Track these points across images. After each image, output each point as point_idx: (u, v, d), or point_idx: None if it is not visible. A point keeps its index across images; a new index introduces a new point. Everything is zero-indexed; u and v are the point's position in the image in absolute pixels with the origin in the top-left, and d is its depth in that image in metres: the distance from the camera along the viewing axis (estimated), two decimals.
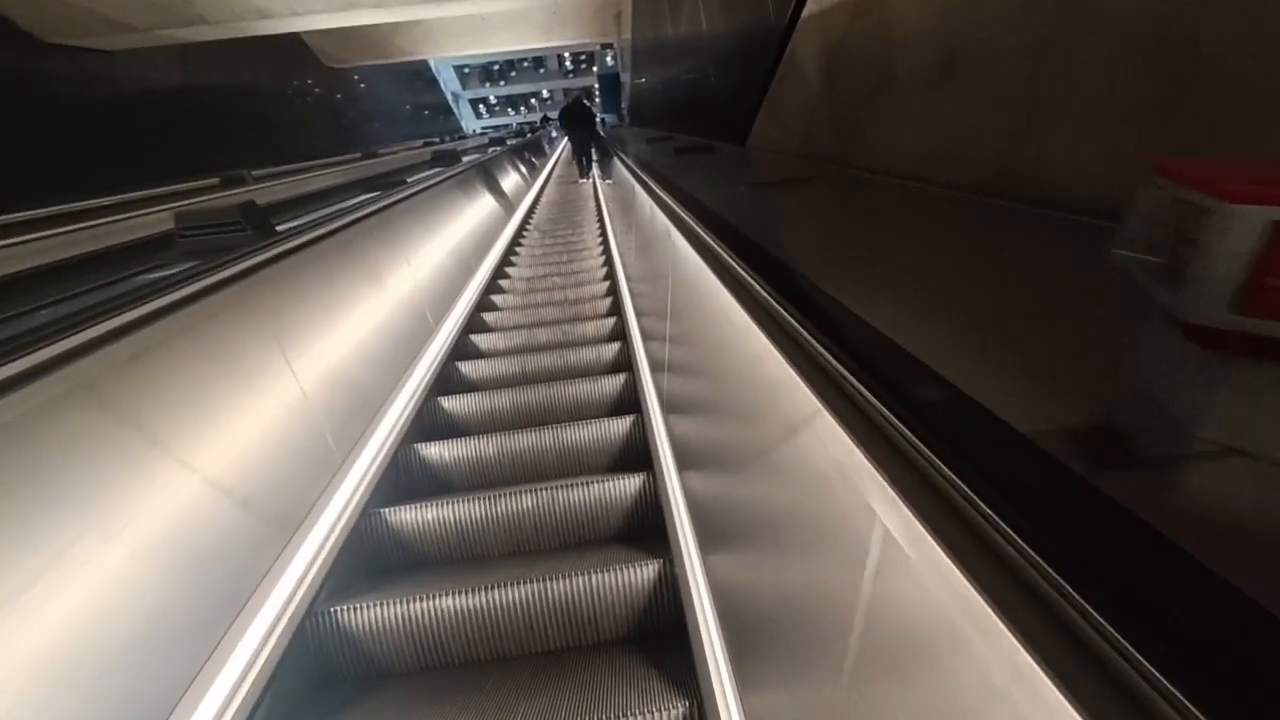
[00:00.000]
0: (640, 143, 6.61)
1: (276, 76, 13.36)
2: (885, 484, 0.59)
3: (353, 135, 16.49)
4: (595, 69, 27.97)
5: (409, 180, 4.37)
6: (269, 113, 12.87)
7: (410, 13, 10.23)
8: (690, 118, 4.70)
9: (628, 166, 4.28)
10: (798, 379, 0.86)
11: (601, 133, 11.25)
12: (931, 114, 1.09)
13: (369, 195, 3.74)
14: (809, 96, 1.98)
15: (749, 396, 1.17)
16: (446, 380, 3.33)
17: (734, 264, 1.27)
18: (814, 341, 0.88)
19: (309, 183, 7.35)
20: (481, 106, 34.50)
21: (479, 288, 4.57)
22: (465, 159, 7.08)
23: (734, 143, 2.84)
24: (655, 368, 2.48)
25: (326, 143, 13.99)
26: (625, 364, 3.34)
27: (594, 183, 10.29)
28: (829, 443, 0.73)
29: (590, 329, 3.91)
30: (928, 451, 0.58)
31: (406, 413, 2.70)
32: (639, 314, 3.30)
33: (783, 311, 1.02)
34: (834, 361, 0.81)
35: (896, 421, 0.64)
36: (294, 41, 13.55)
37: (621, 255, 4.75)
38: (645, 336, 2.97)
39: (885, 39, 1.35)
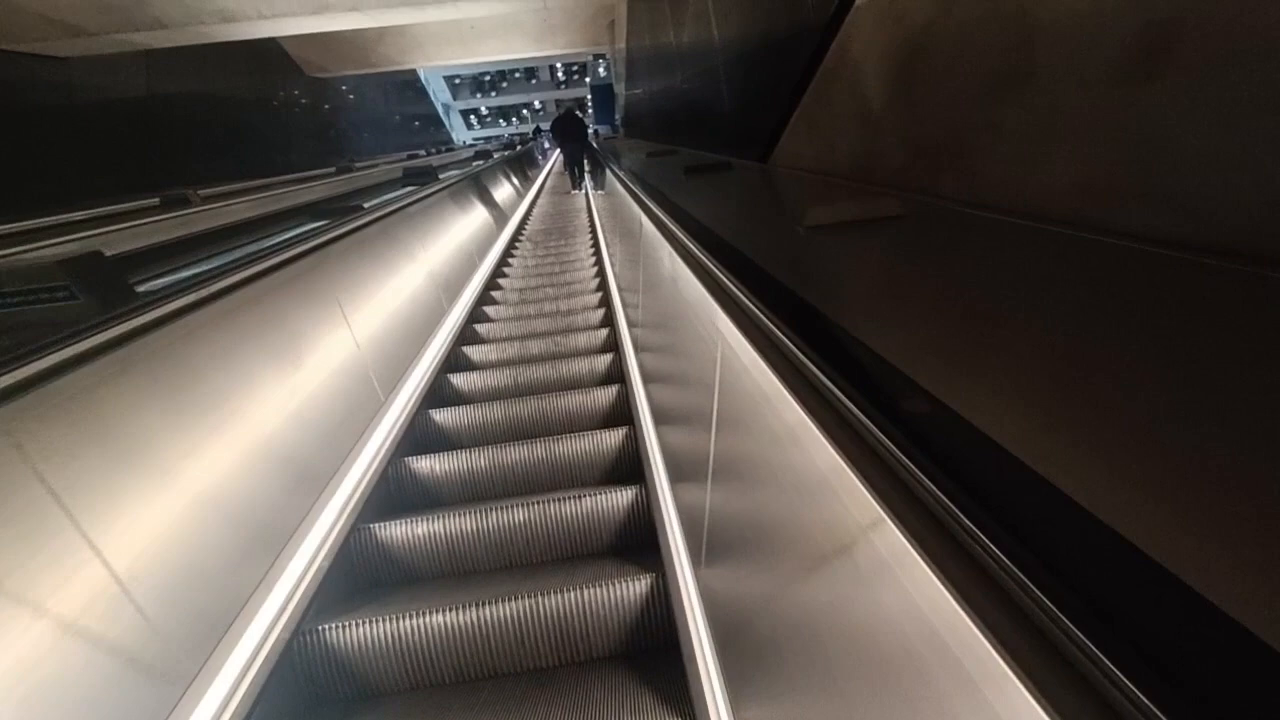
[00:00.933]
0: (638, 156, 5.94)
1: (253, 85, 12.87)
2: (874, 500, 0.60)
3: (337, 147, 16.21)
4: (588, 79, 28.26)
5: (366, 206, 3.59)
6: (245, 124, 12.30)
7: (388, 17, 9.66)
8: (696, 130, 4.04)
9: (629, 190, 3.60)
10: (785, 392, 0.86)
11: (594, 144, 11.40)
12: (1112, 130, 0.76)
13: (311, 226, 2.99)
14: (868, 104, 1.55)
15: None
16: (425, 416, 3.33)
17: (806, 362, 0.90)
18: (804, 359, 0.87)
19: (252, 207, 6.25)
20: (473, 117, 34.74)
21: (456, 326, 4.11)
22: (447, 174, 6.40)
23: (752, 159, 2.35)
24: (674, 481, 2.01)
25: (307, 155, 13.51)
26: (619, 376, 3.37)
27: (586, 193, 10.39)
28: (817, 456, 0.74)
29: (583, 339, 3.95)
30: (915, 469, 0.58)
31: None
32: (632, 324, 3.32)
33: (774, 327, 1.01)
34: (821, 376, 0.79)
35: (882, 435, 0.64)
36: (273, 49, 13.21)
37: (615, 271, 4.79)
38: (647, 379, 3.00)
39: (1014, 22, 1.00)
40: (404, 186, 5.11)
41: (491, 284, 5.40)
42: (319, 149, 14.84)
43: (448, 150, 17.02)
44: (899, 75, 1.41)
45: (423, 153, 15.56)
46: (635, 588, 1.92)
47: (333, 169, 10.82)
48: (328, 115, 16.67)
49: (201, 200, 6.03)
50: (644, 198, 2.65)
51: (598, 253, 6.31)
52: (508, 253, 6.65)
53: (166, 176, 8.18)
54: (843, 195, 1.63)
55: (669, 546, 1.86)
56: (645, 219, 2.48)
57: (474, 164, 8.54)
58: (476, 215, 6.16)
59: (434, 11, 9.75)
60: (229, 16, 8.60)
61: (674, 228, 1.80)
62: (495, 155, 10.84)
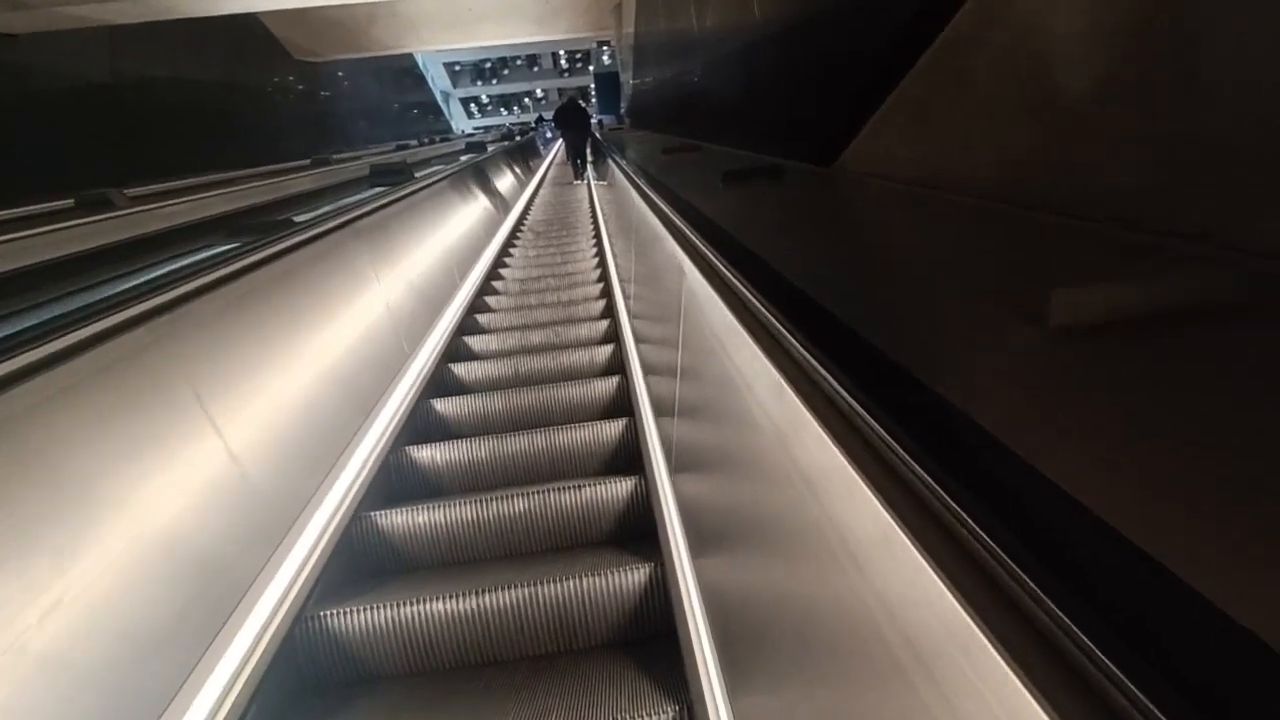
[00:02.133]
0: (652, 154, 5.06)
1: (232, 69, 12.22)
2: (870, 491, 0.62)
3: (324, 136, 15.44)
4: (591, 67, 28.29)
5: (299, 220, 2.77)
6: (220, 111, 11.51)
7: None
8: (724, 122, 3.39)
9: (650, 202, 2.67)
10: (785, 385, 0.88)
11: (597, 134, 11.54)
12: None
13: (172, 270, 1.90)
14: (1058, 83, 1.07)
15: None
16: None
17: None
18: (805, 353, 0.87)
19: (187, 211, 5.11)
20: (473, 106, 34.79)
21: (422, 373, 3.21)
22: (429, 170, 5.58)
23: (809, 161, 1.87)
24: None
25: (289, 146, 12.59)
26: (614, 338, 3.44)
27: (589, 184, 10.47)
28: (815, 448, 0.76)
29: (581, 302, 4.02)
30: (907, 457, 0.59)
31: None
32: (634, 316, 3.38)
33: (777, 325, 1.02)
34: (822, 371, 0.79)
35: (880, 429, 0.64)
36: (256, 30, 12.66)
37: (617, 263, 4.85)
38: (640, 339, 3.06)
39: None
40: (371, 187, 4.35)
41: (472, 316, 4.60)
42: (304, 139, 14.15)
43: (443, 140, 16.68)
44: (1157, 24, 0.88)
45: (414, 143, 14.82)
46: (634, 576, 1.99)
47: (307, 161, 9.88)
48: (314, 102, 16.16)
49: (129, 201, 5.06)
50: (677, 221, 1.81)
51: (599, 243, 6.40)
52: (504, 252, 6.51)
53: (124, 169, 7.34)
54: (999, 226, 0.98)
55: (667, 536, 1.93)
56: (688, 264, 1.55)
57: (463, 158, 7.61)
58: (463, 218, 5.49)
59: None
60: None
61: (772, 320, 0.97)
62: (491, 147, 9.83)
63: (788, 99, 2.41)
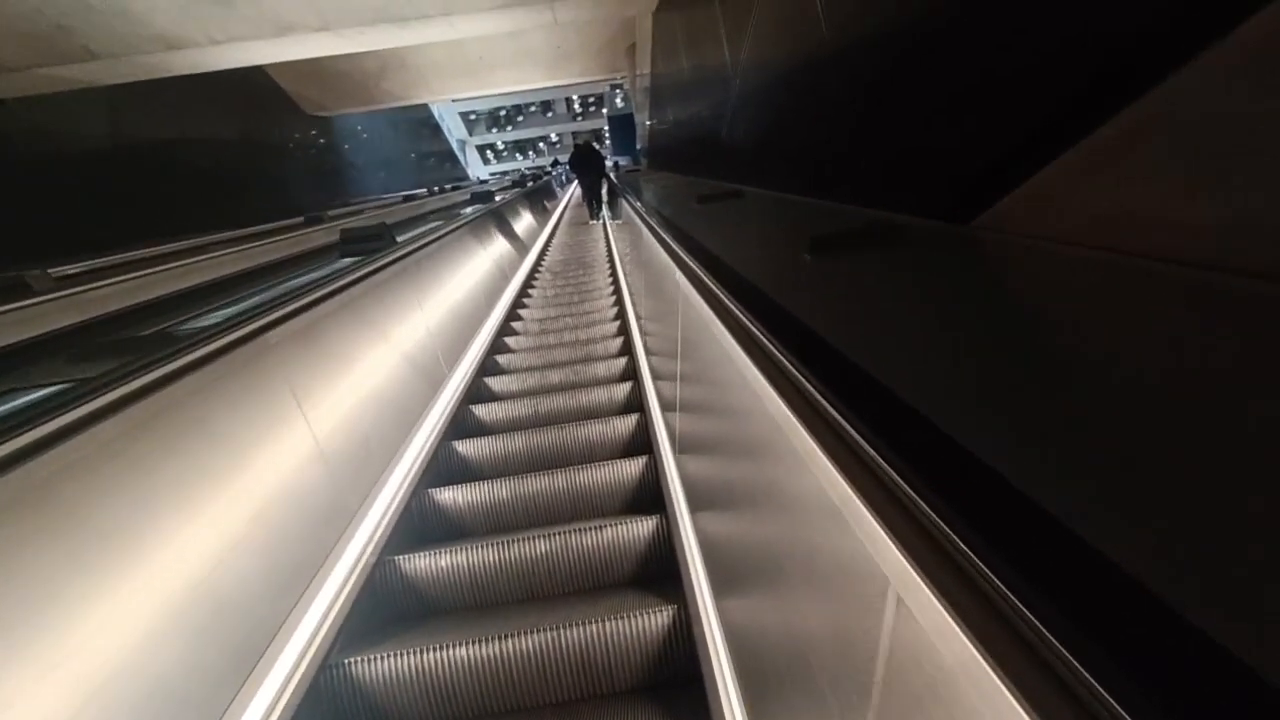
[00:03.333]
0: (675, 197, 4.45)
1: (240, 127, 12.31)
2: (890, 541, 0.62)
3: (341, 188, 15.95)
4: (605, 110, 28.99)
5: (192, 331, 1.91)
6: (225, 170, 11.42)
7: (367, 38, 8.45)
8: (774, 159, 2.78)
9: (698, 284, 1.76)
10: (797, 423, 0.88)
11: (612, 177, 11.87)
12: None
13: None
14: None
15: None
16: None
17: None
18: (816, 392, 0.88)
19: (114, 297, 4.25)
20: (489, 152, 35.76)
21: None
22: (422, 228, 4.87)
23: (929, 215, 1.40)
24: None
25: (299, 201, 12.70)
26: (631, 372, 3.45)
27: (604, 223, 10.68)
28: (835, 489, 0.76)
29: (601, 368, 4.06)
30: (926, 507, 0.60)
31: None
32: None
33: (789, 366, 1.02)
34: (832, 409, 0.80)
35: (897, 476, 0.65)
36: (265, 86, 12.92)
37: (632, 301, 4.90)
38: (647, 334, 3.08)
39: None
40: (341, 258, 3.54)
41: (492, 357, 4.39)
42: (317, 192, 14.41)
43: (454, 188, 16.84)
44: None
45: (422, 192, 14.92)
46: (657, 619, 1.98)
47: (300, 219, 9.15)
48: (326, 155, 16.41)
49: (53, 284, 4.17)
50: (807, 387, 0.92)
51: (615, 279, 6.50)
52: (523, 292, 6.59)
53: (124, 234, 7.14)
54: None
55: (690, 577, 1.92)
56: (851, 497, 0.72)
57: (466, 210, 6.65)
58: (463, 280, 4.76)
59: (420, 30, 8.45)
60: (174, 44, 7.58)
61: None
62: (500, 196, 9.37)
63: (879, 131, 1.71)
